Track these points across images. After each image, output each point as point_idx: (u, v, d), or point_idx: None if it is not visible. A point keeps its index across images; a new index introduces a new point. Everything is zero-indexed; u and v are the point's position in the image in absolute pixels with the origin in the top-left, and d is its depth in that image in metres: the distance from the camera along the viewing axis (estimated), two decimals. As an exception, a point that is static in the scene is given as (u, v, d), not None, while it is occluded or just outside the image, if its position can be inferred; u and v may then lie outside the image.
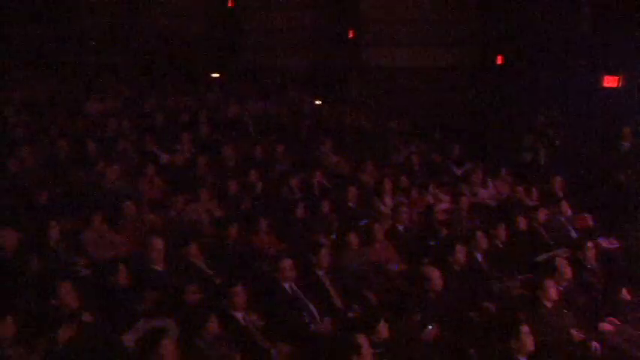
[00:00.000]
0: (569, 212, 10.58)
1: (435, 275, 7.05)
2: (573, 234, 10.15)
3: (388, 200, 10.61)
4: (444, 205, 10.86)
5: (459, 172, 12.74)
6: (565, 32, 14.10)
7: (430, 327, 6.36)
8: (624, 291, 7.86)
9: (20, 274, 6.98)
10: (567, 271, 7.51)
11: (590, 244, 8.32)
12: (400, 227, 9.46)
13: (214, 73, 18.60)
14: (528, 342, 5.72)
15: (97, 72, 17.10)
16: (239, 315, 6.51)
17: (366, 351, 5.43)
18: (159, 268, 7.28)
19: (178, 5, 19.47)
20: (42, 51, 18.02)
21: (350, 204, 10.28)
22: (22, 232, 7.57)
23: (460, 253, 7.92)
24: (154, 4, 20.62)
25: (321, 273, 7.51)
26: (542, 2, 15.06)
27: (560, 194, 11.44)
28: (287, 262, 7.17)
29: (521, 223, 9.65)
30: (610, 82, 13.34)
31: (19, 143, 10.65)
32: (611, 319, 7.28)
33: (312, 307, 7.01)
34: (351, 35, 18.37)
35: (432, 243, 9.29)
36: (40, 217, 8.15)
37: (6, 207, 8.56)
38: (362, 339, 5.44)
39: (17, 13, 20.14)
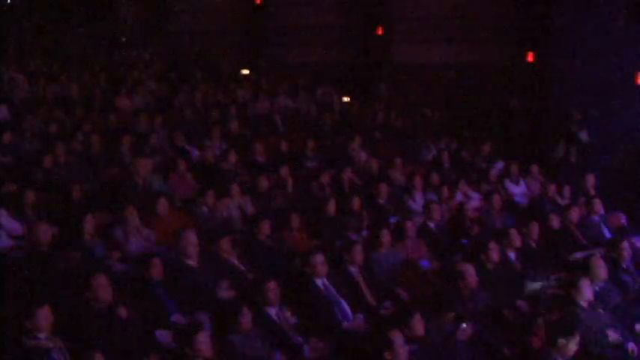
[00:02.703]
0: (602, 211, 10.46)
1: (470, 272, 7.01)
2: (607, 233, 10.05)
3: (419, 197, 10.59)
4: (475, 203, 10.79)
5: (489, 169, 12.63)
6: (598, 28, 13.89)
7: (464, 325, 6.30)
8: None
9: (55, 268, 7.04)
10: (602, 271, 7.42)
11: (625, 243, 8.24)
12: (431, 224, 9.43)
13: (244, 69, 18.66)
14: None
15: (127, 68, 17.21)
16: (272, 311, 6.52)
17: (400, 347, 5.41)
18: (192, 263, 7.29)
19: (207, 2, 19.53)
20: (73, 48, 18.21)
21: (380, 201, 10.26)
22: (56, 227, 7.66)
23: (493, 250, 7.87)
24: (182, 1, 20.72)
25: (353, 269, 7.49)
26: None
27: (593, 193, 11.31)
28: (319, 258, 7.15)
29: (554, 221, 9.57)
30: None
31: (53, 139, 10.75)
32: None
33: (344, 303, 7.01)
34: (380, 32, 18.30)
35: (463, 241, 9.24)
36: (75, 212, 8.21)
37: (41, 202, 8.64)
38: (395, 335, 5.42)
39: (50, 12, 20.41)
